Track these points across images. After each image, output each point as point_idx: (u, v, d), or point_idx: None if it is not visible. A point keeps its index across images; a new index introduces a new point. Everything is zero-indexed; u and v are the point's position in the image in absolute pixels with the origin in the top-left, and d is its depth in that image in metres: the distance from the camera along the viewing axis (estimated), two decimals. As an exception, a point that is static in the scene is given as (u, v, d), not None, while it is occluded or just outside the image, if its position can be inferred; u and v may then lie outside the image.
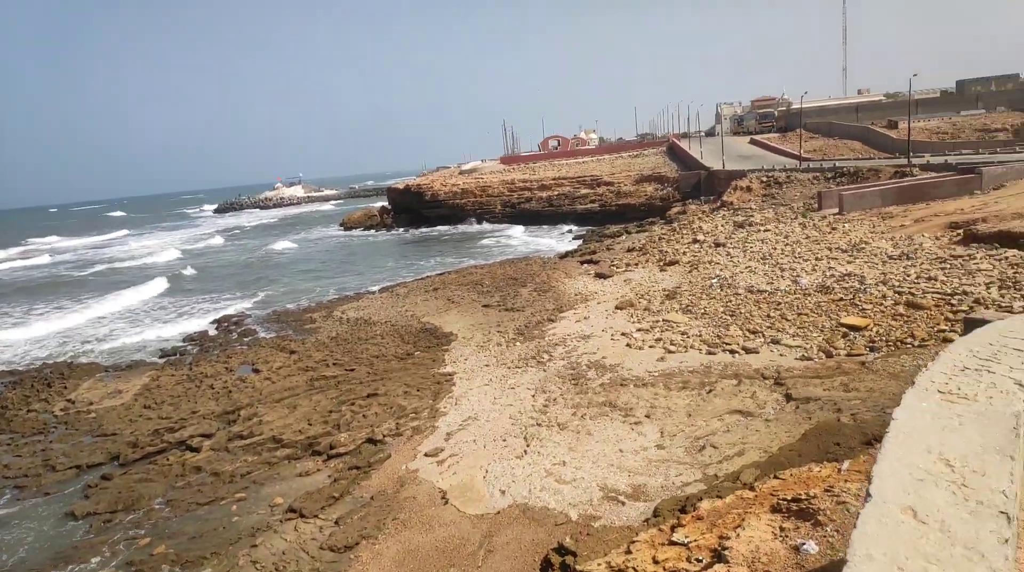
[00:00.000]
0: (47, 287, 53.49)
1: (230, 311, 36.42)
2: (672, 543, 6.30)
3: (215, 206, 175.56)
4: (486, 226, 71.21)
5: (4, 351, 31.56)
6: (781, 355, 17.54)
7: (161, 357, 27.54)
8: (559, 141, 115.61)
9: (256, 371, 23.24)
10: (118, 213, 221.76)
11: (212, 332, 31.48)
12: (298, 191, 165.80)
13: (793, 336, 18.55)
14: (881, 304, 19.28)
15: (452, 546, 11.41)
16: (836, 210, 33.58)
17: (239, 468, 15.84)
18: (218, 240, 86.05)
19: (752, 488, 7.02)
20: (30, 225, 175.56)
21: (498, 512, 12.15)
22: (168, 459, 16.84)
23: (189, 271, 54.28)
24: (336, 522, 12.75)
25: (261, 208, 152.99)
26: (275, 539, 12.51)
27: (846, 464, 6.99)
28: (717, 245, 32.16)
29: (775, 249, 28.65)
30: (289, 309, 35.41)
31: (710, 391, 15.83)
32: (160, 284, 47.72)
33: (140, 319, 36.92)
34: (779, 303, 21.45)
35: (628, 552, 6.51)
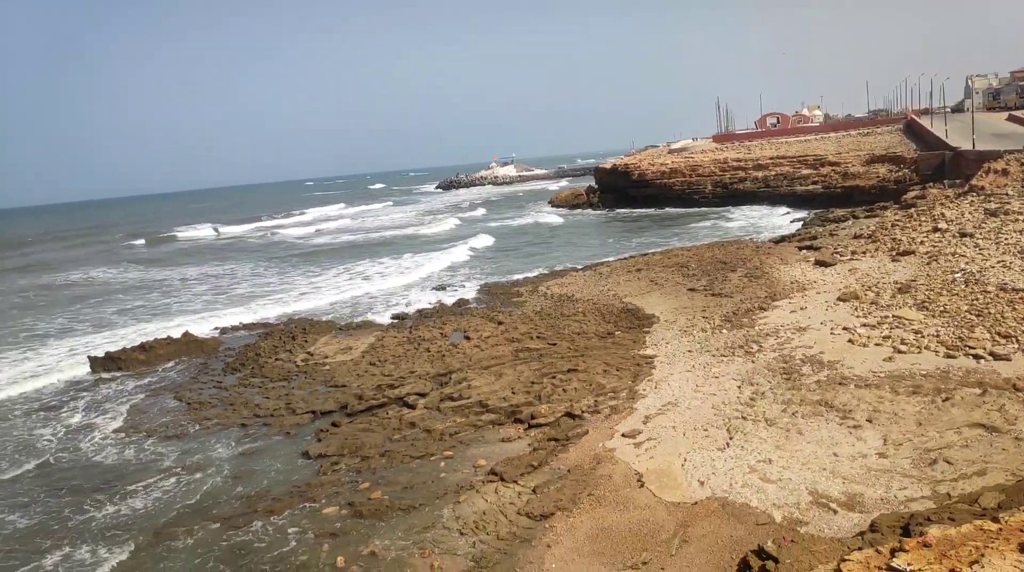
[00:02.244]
0: (374, 247, 60.77)
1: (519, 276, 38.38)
2: (891, 569, 5.71)
3: (436, 183, 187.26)
4: (694, 207, 68.82)
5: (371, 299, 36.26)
6: (1040, 366, 15.21)
7: (391, 319, 30.18)
8: (778, 118, 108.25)
9: (467, 338, 24.59)
10: (378, 185, 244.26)
11: (432, 301, 33.56)
12: (511, 170, 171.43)
13: (1058, 345, 15.96)
14: None
15: (646, 530, 11.35)
16: (1126, 199, 28.15)
17: (448, 428, 16.95)
18: (480, 211, 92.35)
19: (996, 519, 6.15)
20: (298, 196, 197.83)
21: (695, 503, 11.87)
22: (388, 413, 18.46)
23: (483, 241, 57.34)
24: (534, 490, 13.21)
25: (479, 185, 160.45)
26: (477, 499, 13.25)
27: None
28: (963, 235, 28.38)
29: (1039, 242, 24.71)
30: (499, 282, 36.96)
31: (946, 399, 14.14)
32: (463, 251, 51.78)
33: (450, 281, 40.00)
34: (1041, 305, 18.53)
35: (838, 571, 6.01)
